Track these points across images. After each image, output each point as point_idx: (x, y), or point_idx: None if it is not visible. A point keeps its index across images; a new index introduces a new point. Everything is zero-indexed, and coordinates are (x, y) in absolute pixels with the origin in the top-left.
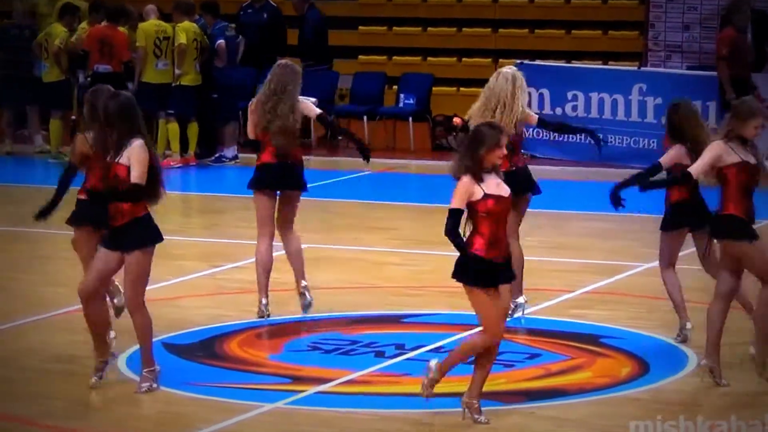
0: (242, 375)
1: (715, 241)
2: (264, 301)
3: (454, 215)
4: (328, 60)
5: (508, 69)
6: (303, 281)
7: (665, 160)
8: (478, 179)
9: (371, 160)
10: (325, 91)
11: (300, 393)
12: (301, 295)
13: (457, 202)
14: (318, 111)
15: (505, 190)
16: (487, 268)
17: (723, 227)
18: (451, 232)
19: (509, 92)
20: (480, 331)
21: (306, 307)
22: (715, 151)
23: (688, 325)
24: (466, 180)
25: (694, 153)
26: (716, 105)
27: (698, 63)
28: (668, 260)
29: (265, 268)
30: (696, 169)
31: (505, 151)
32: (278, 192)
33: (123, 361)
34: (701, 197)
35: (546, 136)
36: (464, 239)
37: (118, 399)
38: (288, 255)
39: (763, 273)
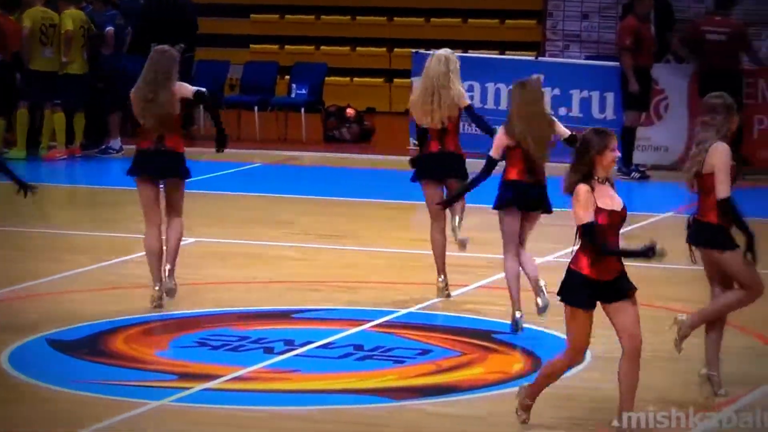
0: (128, 372)
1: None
2: (157, 287)
3: (591, 230)
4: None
5: (443, 51)
6: (168, 266)
7: (493, 152)
8: (592, 189)
9: (263, 151)
10: (215, 80)
11: (187, 390)
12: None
13: (584, 214)
14: (194, 89)
15: (618, 203)
16: (593, 291)
17: (703, 235)
18: (603, 246)
19: (442, 74)
20: (565, 350)
21: (169, 292)
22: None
23: (518, 315)
24: (584, 188)
25: (510, 133)
26: (614, 96)
27: (597, 53)
28: (508, 243)
29: (155, 256)
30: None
31: (618, 154)
32: (162, 180)
33: (5, 359)
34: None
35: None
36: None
37: (2, 398)
38: (165, 240)
39: (745, 281)
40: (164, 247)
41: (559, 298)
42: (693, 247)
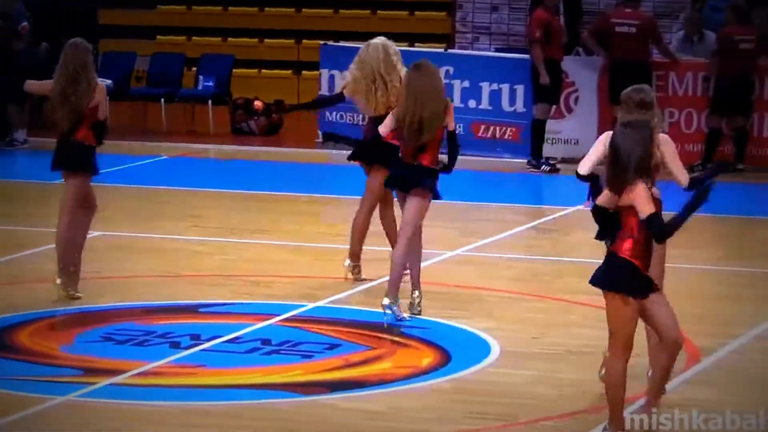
0: (32, 367)
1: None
2: (58, 281)
3: (658, 220)
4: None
5: (378, 39)
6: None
7: (382, 128)
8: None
9: (170, 144)
10: (122, 72)
11: (92, 385)
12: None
13: (650, 206)
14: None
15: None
16: (643, 281)
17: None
18: (668, 227)
19: (382, 61)
20: (616, 351)
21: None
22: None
23: (386, 300)
24: (642, 185)
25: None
26: (524, 88)
27: (507, 45)
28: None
29: (62, 247)
30: None
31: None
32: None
33: None
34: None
35: (350, 119)
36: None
37: None
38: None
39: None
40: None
41: (606, 288)
42: None
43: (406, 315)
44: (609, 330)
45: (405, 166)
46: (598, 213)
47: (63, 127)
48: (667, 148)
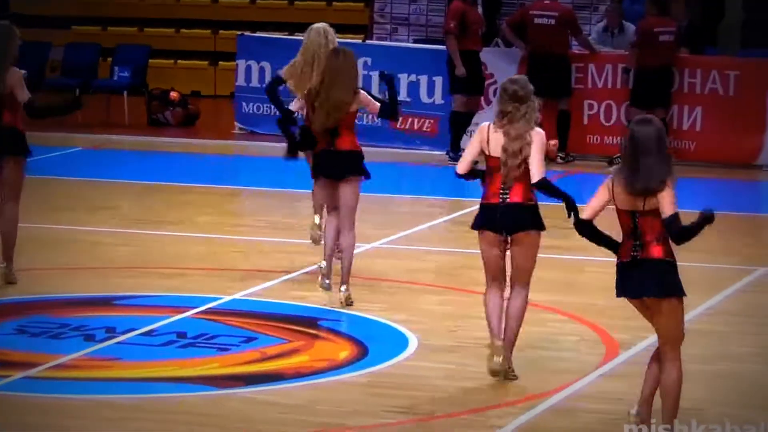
0: None
1: None
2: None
3: (678, 220)
4: None
5: (319, 24)
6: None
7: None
8: None
9: (85, 136)
10: (36, 63)
11: (5, 378)
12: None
13: (676, 205)
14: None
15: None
16: None
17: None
18: (690, 230)
19: (323, 45)
20: (673, 349)
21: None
22: None
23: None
24: (671, 186)
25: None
26: (443, 80)
27: (425, 36)
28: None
29: None
30: None
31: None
32: None
33: None
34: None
35: (267, 110)
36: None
37: None
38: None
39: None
40: None
41: (672, 295)
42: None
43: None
44: (666, 337)
45: (328, 154)
46: (589, 231)
47: None
48: (536, 140)
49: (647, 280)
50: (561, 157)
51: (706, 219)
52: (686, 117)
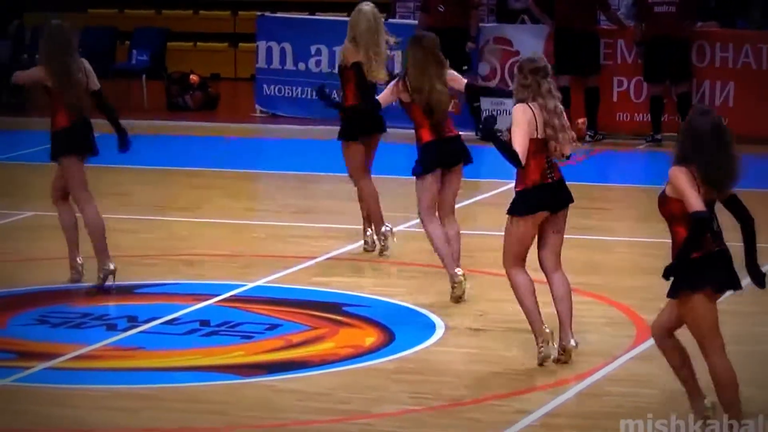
0: None
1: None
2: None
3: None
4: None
5: (366, 5)
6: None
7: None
8: None
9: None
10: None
11: (27, 369)
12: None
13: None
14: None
15: None
16: None
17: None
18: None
19: (375, 30)
20: (717, 343)
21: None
22: None
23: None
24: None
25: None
26: None
27: None
28: (426, 206)
29: None
30: None
31: None
32: None
33: None
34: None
35: (288, 92)
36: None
37: None
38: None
39: None
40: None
41: (708, 288)
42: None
43: None
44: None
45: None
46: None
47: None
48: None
49: (732, 272)
50: (590, 136)
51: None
52: (718, 92)
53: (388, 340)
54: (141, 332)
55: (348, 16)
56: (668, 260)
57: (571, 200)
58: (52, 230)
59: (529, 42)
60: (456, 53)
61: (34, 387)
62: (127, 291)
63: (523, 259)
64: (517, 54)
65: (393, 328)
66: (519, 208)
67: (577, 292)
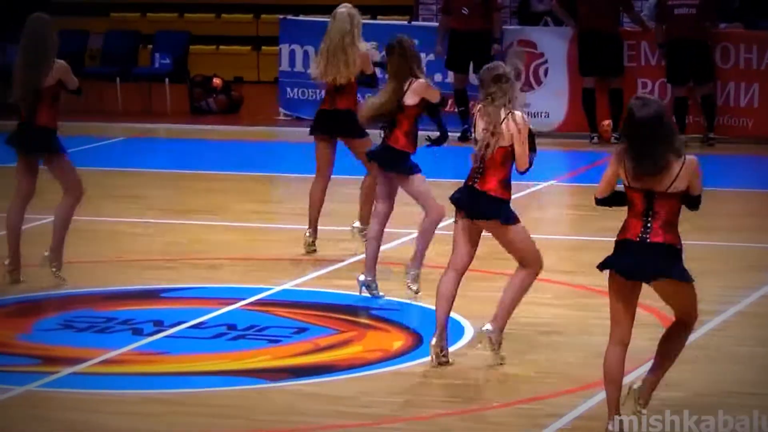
0: None
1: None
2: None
3: None
4: None
5: (343, 8)
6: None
7: None
8: None
9: (126, 125)
10: (75, 51)
11: (52, 374)
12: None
13: None
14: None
15: None
16: None
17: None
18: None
19: (347, 32)
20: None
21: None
22: None
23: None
24: None
25: None
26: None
27: None
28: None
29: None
30: None
31: None
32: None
33: None
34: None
35: (311, 95)
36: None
37: None
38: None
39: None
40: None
41: (681, 278)
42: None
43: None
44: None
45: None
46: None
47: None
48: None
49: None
50: (615, 138)
51: None
52: (743, 93)
53: (416, 343)
54: (167, 337)
55: (371, 19)
56: (698, 262)
57: (483, 216)
58: (75, 234)
59: (554, 44)
60: (481, 56)
61: (59, 392)
62: (153, 295)
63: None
64: (541, 56)
65: (421, 331)
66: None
67: (605, 294)
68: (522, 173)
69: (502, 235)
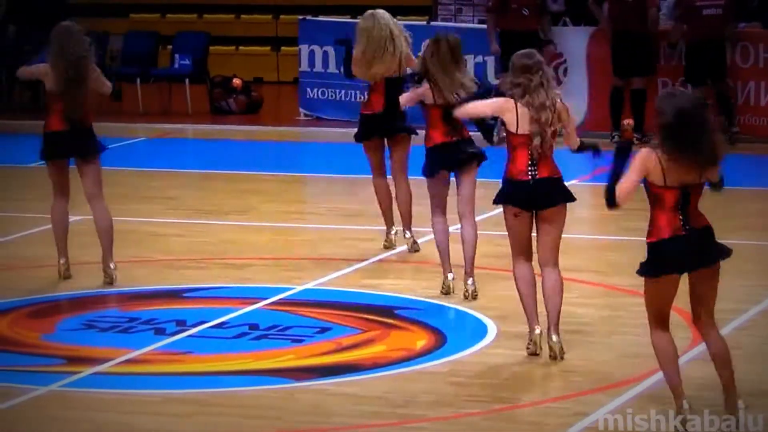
0: (13, 357)
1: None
2: (62, 261)
3: None
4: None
5: (382, 14)
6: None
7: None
8: None
9: (147, 125)
10: (95, 52)
11: (76, 374)
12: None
13: None
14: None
15: None
16: None
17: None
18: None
19: (391, 34)
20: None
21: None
22: None
23: (450, 276)
24: None
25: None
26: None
27: None
28: (438, 206)
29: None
30: None
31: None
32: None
33: None
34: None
35: (331, 95)
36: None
37: None
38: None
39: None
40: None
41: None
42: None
43: None
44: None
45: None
46: None
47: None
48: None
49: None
50: (637, 138)
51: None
52: (763, 93)
53: (440, 342)
54: (190, 336)
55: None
56: (722, 261)
57: (555, 202)
58: (90, 235)
59: (572, 43)
60: None
61: (83, 392)
62: (175, 295)
63: (524, 253)
64: (560, 56)
65: (445, 330)
66: (497, 198)
67: (632, 293)
68: (575, 152)
69: (560, 216)
